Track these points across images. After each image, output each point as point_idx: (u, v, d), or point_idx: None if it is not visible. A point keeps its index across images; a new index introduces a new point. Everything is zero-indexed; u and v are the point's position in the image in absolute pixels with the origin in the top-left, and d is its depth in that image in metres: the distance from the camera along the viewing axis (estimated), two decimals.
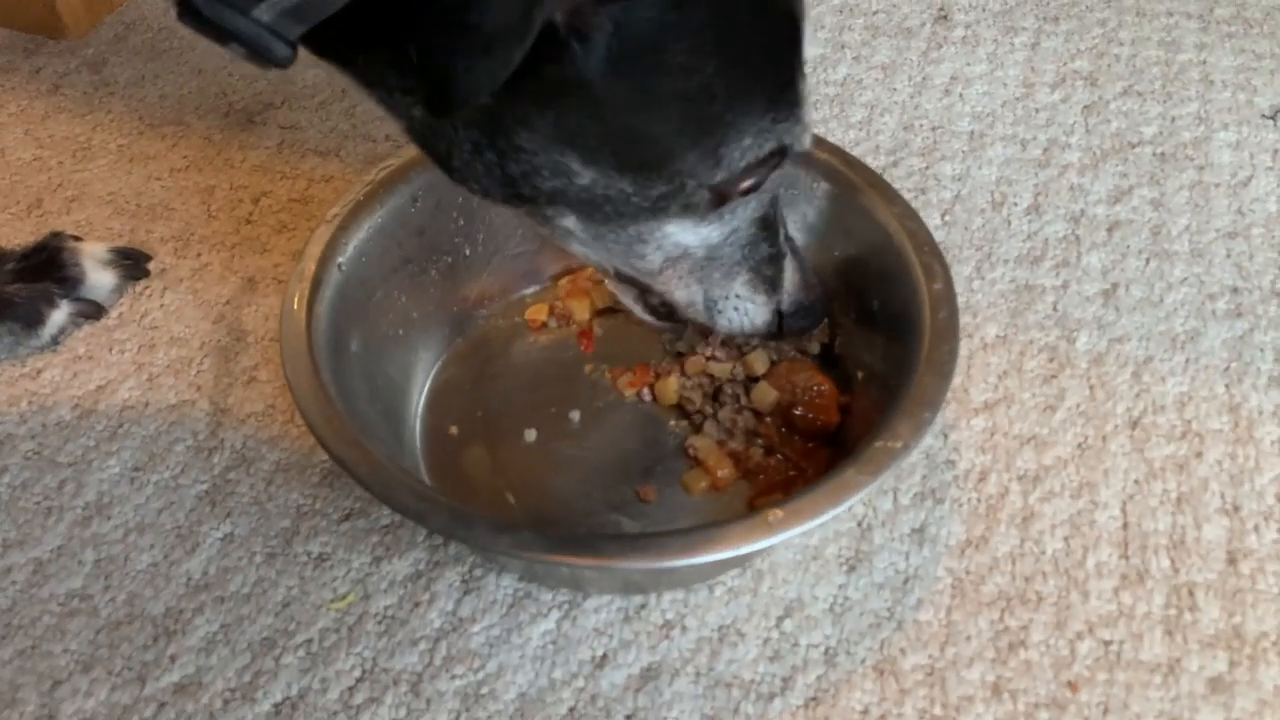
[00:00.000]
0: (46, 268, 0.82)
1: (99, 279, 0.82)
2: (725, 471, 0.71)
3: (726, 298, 0.65)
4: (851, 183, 0.76)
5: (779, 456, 0.73)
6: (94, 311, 0.82)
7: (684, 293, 0.65)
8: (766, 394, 0.74)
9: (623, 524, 0.70)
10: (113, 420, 0.76)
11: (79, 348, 0.81)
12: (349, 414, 0.62)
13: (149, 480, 0.72)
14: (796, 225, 0.78)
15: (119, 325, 0.82)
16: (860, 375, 0.75)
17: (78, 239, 0.85)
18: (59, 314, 0.80)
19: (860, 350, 0.76)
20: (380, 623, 0.66)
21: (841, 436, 0.73)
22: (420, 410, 0.76)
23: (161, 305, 0.83)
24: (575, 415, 0.76)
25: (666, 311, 0.68)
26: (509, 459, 0.74)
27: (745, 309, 0.66)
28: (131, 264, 0.85)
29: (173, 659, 0.64)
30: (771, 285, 0.66)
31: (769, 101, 0.54)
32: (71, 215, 0.90)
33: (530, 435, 0.74)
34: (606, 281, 0.70)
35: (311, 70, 1.04)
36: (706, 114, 0.52)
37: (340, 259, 0.71)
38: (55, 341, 0.80)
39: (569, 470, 0.73)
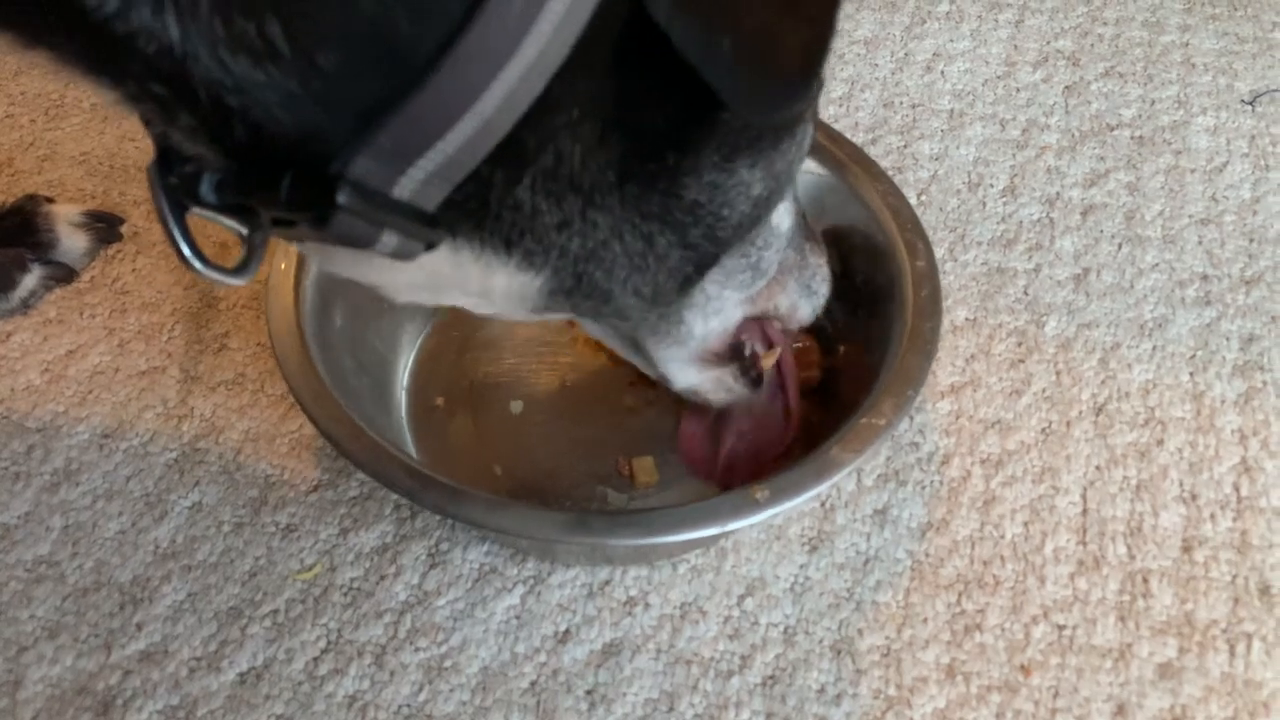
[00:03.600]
0: (20, 232, 0.81)
1: (71, 242, 0.82)
2: None
3: (813, 273, 0.63)
4: (836, 159, 0.76)
5: None
6: (65, 275, 0.82)
7: (786, 297, 0.63)
8: None
9: (609, 496, 0.71)
10: (82, 386, 0.76)
11: (49, 311, 0.80)
12: (338, 389, 0.62)
13: (118, 447, 0.73)
14: None
15: (90, 289, 0.82)
16: (843, 349, 0.75)
17: (50, 200, 0.84)
18: (30, 278, 0.80)
19: (844, 326, 0.76)
20: (346, 594, 0.66)
21: (826, 409, 0.74)
22: (405, 382, 0.77)
23: (134, 269, 0.83)
24: (560, 385, 0.76)
25: (757, 374, 0.65)
26: (495, 430, 0.74)
27: (822, 273, 0.65)
28: (104, 227, 0.84)
29: (139, 627, 0.65)
30: (816, 239, 0.65)
31: None
32: (43, 175, 0.89)
33: (516, 406, 0.75)
34: (686, 388, 0.65)
35: None
36: (811, 17, 0.45)
37: None
38: (25, 305, 0.80)
39: (555, 441, 0.74)
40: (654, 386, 0.74)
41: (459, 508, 0.58)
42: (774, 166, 0.48)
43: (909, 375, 0.64)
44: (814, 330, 0.77)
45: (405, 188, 0.38)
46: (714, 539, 0.68)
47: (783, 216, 0.56)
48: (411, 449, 0.72)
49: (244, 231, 0.42)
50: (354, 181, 0.37)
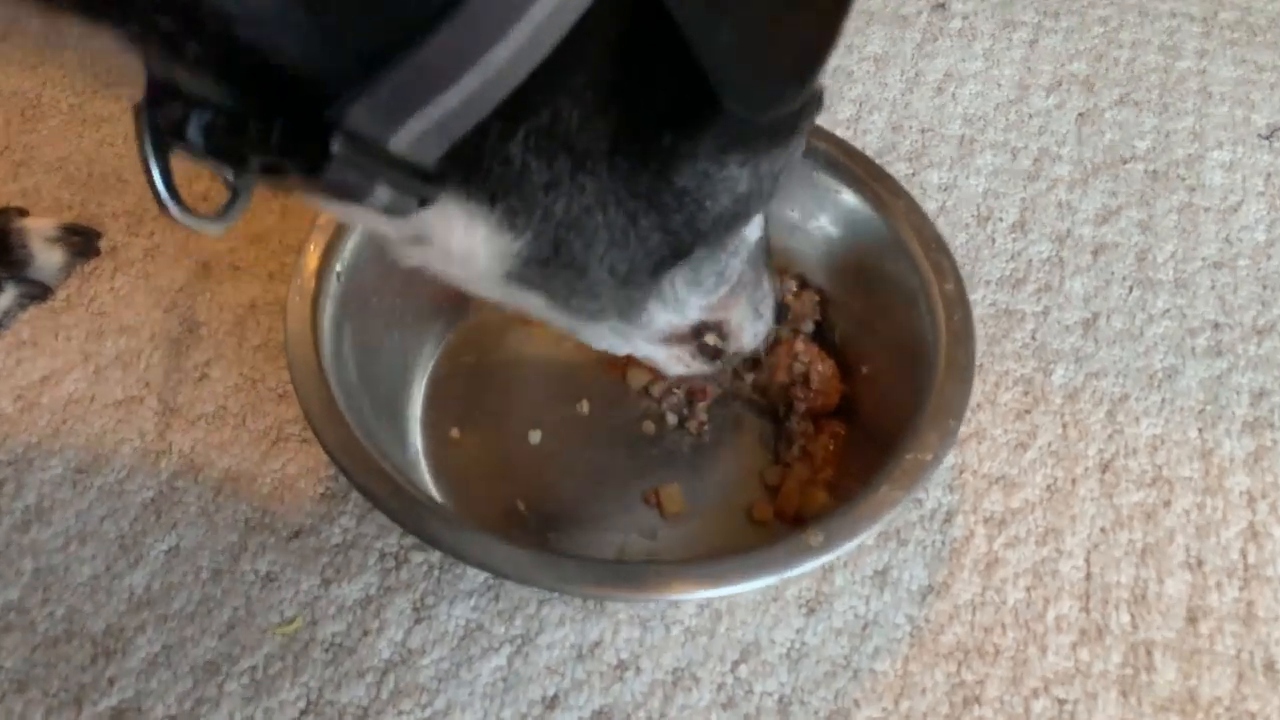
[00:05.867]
0: None
1: (47, 259, 0.79)
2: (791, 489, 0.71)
3: (764, 296, 0.64)
4: (855, 176, 0.74)
5: (805, 451, 0.72)
6: (40, 293, 0.78)
7: (738, 311, 0.62)
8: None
9: (636, 527, 0.69)
10: (57, 415, 0.73)
11: (23, 332, 0.77)
12: (365, 436, 0.60)
13: (92, 484, 0.70)
14: (798, 217, 0.77)
15: (66, 309, 0.79)
16: (865, 370, 0.74)
17: (24, 213, 0.81)
18: (4, 298, 0.76)
19: (865, 346, 0.75)
20: (327, 651, 0.64)
21: (849, 428, 0.73)
22: (419, 414, 0.74)
23: (111, 289, 0.80)
24: (577, 413, 0.74)
25: (714, 348, 0.64)
26: (515, 463, 0.72)
27: (770, 300, 0.65)
28: (80, 241, 0.81)
29: (111, 681, 0.62)
30: (770, 266, 0.65)
31: None
32: (18, 182, 0.86)
33: (534, 437, 0.73)
34: (655, 358, 0.64)
35: None
36: (820, 14, 0.43)
37: (339, 267, 0.67)
38: (0, 325, 0.77)
39: (577, 472, 0.72)
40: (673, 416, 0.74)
41: (487, 555, 0.56)
42: (761, 169, 0.48)
43: (949, 405, 0.63)
44: (832, 351, 0.76)
45: (403, 140, 0.37)
46: (770, 588, 0.67)
47: (754, 228, 0.56)
48: (430, 487, 0.69)
49: (229, 176, 0.41)
50: (349, 131, 0.36)
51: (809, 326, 0.77)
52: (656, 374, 0.75)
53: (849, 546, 0.57)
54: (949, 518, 0.71)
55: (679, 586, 0.55)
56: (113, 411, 0.73)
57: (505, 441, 0.73)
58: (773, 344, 0.76)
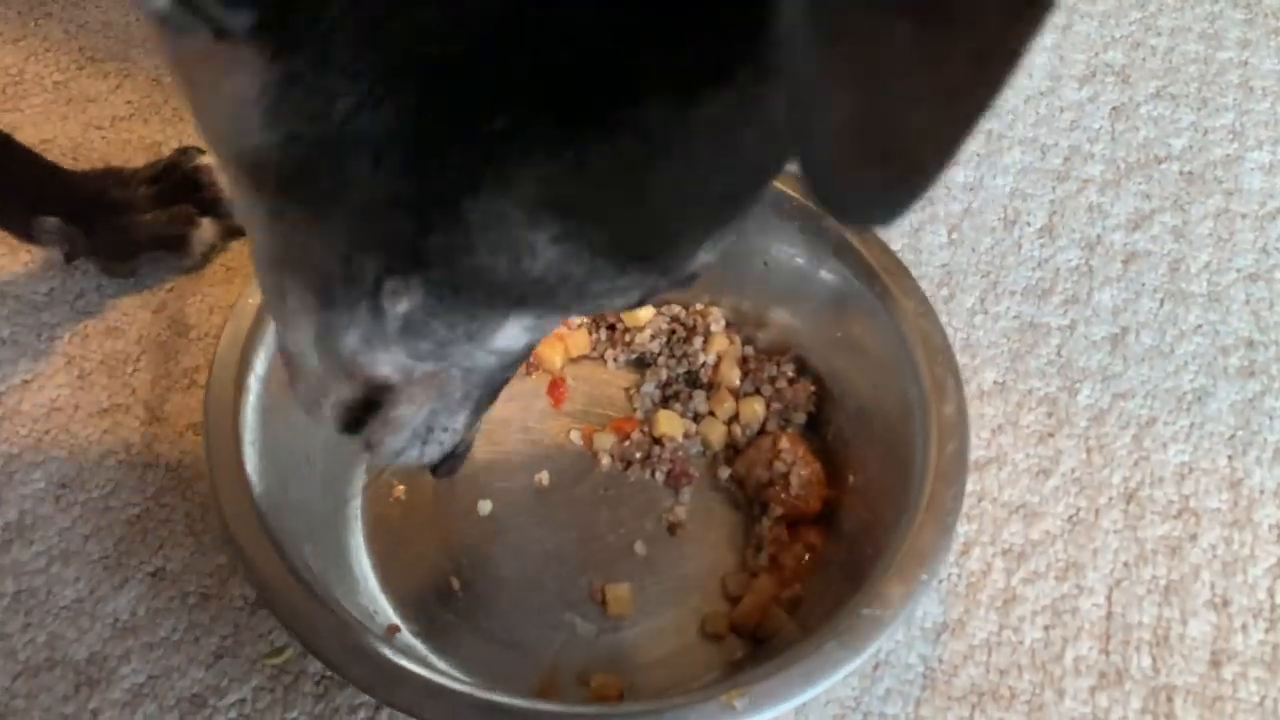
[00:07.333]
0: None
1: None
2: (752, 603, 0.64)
3: (450, 417, 0.50)
4: (864, 264, 0.68)
5: (774, 561, 0.66)
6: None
7: (415, 402, 0.47)
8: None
9: (577, 625, 0.64)
10: (40, 424, 0.70)
11: (3, 330, 0.74)
12: (274, 512, 0.56)
13: (76, 500, 0.67)
14: (803, 299, 0.72)
15: (49, 305, 0.75)
16: (853, 479, 0.68)
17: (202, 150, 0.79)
18: (205, 232, 0.77)
19: (857, 451, 0.68)
20: (318, 684, 0.62)
21: (828, 538, 0.67)
22: (367, 469, 0.68)
23: (98, 286, 0.76)
24: (535, 484, 0.68)
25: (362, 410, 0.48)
26: (459, 534, 0.66)
27: (449, 437, 0.52)
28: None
29: (95, 714, 0.60)
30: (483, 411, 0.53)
31: None
32: None
33: (485, 507, 0.67)
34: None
35: None
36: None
37: None
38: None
39: (524, 554, 0.66)
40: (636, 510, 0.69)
41: (391, 692, 0.52)
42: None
43: (923, 555, 0.56)
44: (822, 451, 0.69)
45: None
46: None
47: (520, 334, 0.42)
48: (362, 550, 0.65)
49: None
50: None
51: (800, 418, 0.70)
52: (626, 442, 0.70)
53: (774, 713, 0.51)
54: (966, 549, 0.68)
55: None
56: (98, 421, 0.70)
57: (452, 507, 0.67)
58: (756, 434, 0.70)
